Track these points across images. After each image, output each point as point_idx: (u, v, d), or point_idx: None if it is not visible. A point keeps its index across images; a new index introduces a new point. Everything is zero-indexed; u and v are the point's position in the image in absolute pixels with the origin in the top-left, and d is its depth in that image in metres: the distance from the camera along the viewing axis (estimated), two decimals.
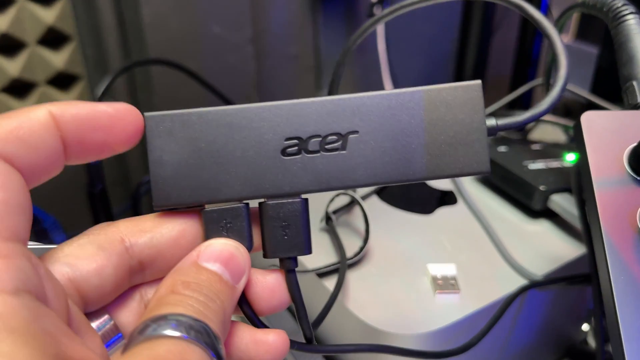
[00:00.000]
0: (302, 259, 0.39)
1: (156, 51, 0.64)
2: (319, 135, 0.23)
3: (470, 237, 0.45)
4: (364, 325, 0.37)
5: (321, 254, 0.42)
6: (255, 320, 0.23)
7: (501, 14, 0.72)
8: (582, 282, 0.42)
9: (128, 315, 0.22)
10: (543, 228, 0.46)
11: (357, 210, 0.46)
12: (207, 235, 0.23)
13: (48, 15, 0.66)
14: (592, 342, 0.49)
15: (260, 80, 0.73)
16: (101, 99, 0.47)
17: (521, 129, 0.63)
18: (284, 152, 0.22)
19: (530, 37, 0.62)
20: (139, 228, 0.22)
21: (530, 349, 0.46)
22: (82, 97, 0.71)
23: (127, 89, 0.70)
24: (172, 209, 0.23)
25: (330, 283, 0.39)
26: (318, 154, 0.23)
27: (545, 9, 0.61)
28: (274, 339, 0.23)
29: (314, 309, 0.41)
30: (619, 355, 0.30)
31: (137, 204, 0.55)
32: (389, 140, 0.23)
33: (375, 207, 0.48)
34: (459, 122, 0.23)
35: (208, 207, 0.23)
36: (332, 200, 0.45)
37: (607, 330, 0.31)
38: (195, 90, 0.65)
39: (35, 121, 0.19)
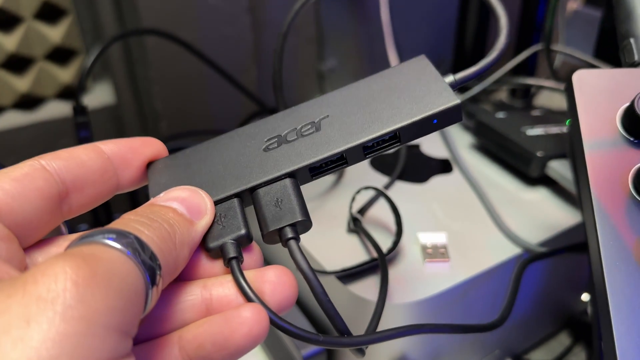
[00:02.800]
0: (328, 265, 0.37)
1: (151, 22, 0.63)
2: (294, 129, 0.25)
3: (464, 206, 0.44)
4: (352, 296, 0.36)
5: (350, 257, 0.39)
6: (245, 284, 0.22)
7: None
8: (582, 250, 0.40)
9: None
10: (540, 196, 0.45)
11: (381, 204, 0.43)
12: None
13: None
14: (592, 312, 0.48)
15: (259, 51, 0.72)
16: (91, 69, 0.47)
17: (525, 96, 0.61)
18: (266, 149, 0.25)
19: (534, 1, 0.60)
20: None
21: (529, 320, 0.45)
22: (79, 72, 0.71)
23: (124, 62, 0.70)
24: None
25: (355, 287, 0.37)
26: (295, 140, 0.24)
27: None
28: (248, 314, 0.21)
29: (352, 318, 0.39)
30: (607, 325, 0.29)
31: None
32: (357, 112, 0.24)
33: (368, 175, 0.47)
34: (419, 83, 0.24)
35: None
36: (353, 200, 0.41)
37: (596, 298, 0.30)
38: (192, 62, 0.64)
39: (87, 148, 0.23)
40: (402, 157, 0.47)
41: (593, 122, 0.32)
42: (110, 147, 0.24)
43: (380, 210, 0.42)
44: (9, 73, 0.67)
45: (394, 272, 0.37)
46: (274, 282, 0.22)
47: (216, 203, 0.24)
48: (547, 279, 0.44)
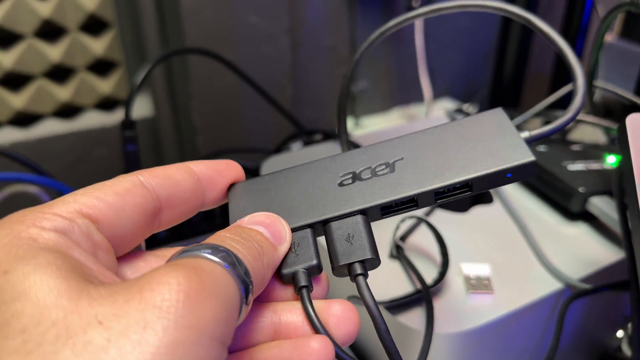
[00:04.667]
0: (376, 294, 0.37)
1: (193, 40, 0.64)
2: (369, 167, 0.26)
3: (506, 237, 0.44)
4: (396, 324, 0.37)
5: (392, 283, 0.40)
6: (314, 315, 0.23)
7: (543, 9, 0.70)
8: (625, 288, 0.41)
9: None
10: (581, 231, 0.45)
11: (423, 230, 0.43)
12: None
13: (89, 2, 0.67)
14: (626, 349, 0.48)
15: (295, 70, 0.73)
16: (140, 86, 0.48)
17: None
18: (340, 184, 0.25)
19: (573, 34, 0.60)
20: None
21: (562, 354, 0.45)
22: (120, 84, 0.72)
23: (165, 76, 0.71)
24: None
25: (405, 317, 0.37)
26: (370, 179, 0.25)
27: (589, 7, 0.60)
28: (317, 345, 0.22)
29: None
30: None
31: None
32: (432, 157, 0.25)
33: None
34: (495, 136, 0.25)
35: None
36: (397, 228, 0.42)
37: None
38: (231, 79, 0.65)
39: (180, 168, 0.24)
40: None
41: None
42: (200, 168, 0.25)
43: (422, 237, 0.43)
44: (52, 82, 0.69)
45: (437, 302, 0.38)
46: (339, 316, 0.23)
47: (292, 231, 0.25)
48: (584, 314, 0.44)
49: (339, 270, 0.24)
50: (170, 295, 0.17)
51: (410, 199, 0.24)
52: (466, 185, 0.24)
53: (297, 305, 0.24)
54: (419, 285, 0.38)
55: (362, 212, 0.25)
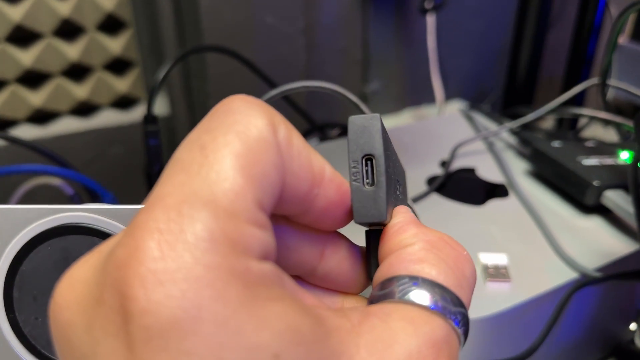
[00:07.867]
0: None
1: (211, 39, 0.65)
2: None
3: (522, 229, 0.45)
4: None
5: None
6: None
7: (557, 12, 0.72)
8: (635, 278, 0.41)
9: None
10: (595, 224, 0.46)
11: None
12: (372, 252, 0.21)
13: (107, 2, 0.68)
14: (639, 342, 0.48)
15: (309, 71, 0.74)
16: (163, 81, 0.49)
17: (573, 126, 0.63)
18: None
19: (586, 35, 0.61)
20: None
21: (575, 345, 0.45)
22: (136, 83, 0.73)
23: (181, 75, 0.72)
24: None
25: None
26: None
27: (602, 8, 0.61)
28: None
29: None
30: None
31: None
32: None
33: (426, 196, 0.49)
34: None
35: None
36: None
37: None
38: (248, 78, 0.66)
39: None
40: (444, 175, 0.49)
41: None
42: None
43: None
44: (69, 81, 0.70)
45: None
46: None
47: None
48: (597, 306, 0.44)
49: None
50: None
51: None
52: None
53: None
54: None
55: None
